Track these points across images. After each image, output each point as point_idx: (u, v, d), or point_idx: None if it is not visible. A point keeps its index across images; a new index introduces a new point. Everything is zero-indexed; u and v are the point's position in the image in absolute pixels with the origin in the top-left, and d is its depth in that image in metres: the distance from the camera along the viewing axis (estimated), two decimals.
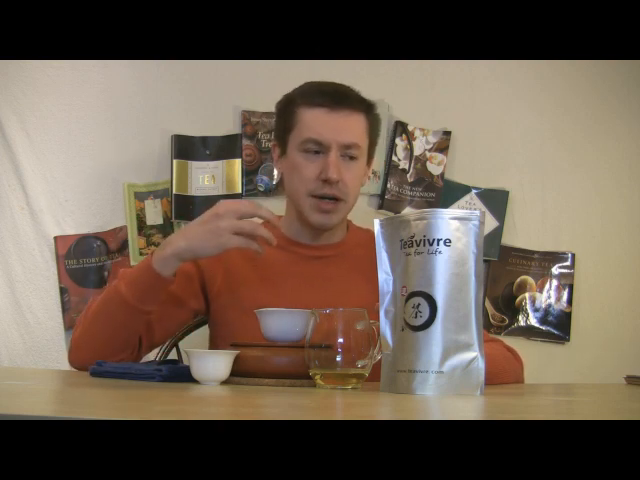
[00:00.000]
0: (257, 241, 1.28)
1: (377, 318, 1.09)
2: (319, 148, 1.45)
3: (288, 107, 1.50)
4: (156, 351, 1.59)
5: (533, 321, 2.33)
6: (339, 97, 1.45)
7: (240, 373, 1.14)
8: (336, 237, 1.57)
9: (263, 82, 2.26)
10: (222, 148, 2.26)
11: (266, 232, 1.27)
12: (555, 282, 2.35)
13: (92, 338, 1.34)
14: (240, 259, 1.49)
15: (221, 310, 1.51)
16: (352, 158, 1.46)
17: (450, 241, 1.03)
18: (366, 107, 1.49)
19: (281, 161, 1.54)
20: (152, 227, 2.23)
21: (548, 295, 2.34)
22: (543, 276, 2.35)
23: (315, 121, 1.45)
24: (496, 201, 2.33)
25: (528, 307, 2.33)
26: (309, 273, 1.52)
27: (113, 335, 1.31)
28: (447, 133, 2.33)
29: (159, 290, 1.32)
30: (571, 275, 2.35)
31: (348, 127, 1.45)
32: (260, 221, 1.34)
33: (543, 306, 2.33)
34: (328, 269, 1.53)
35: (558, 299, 2.34)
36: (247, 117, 2.26)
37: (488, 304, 2.31)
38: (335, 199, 1.46)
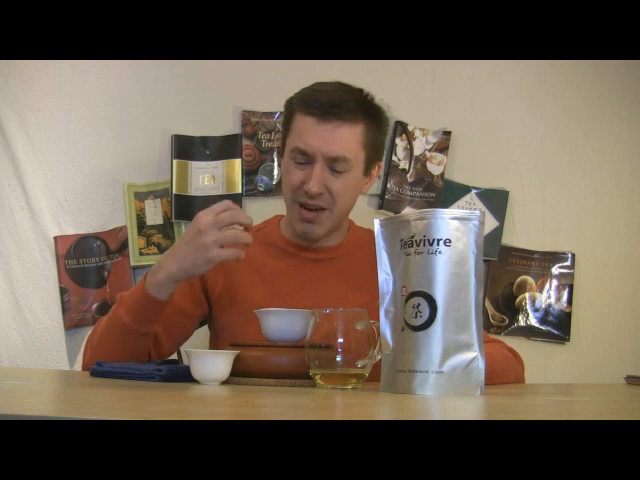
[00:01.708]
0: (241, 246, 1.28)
1: (377, 317, 1.09)
2: (306, 158, 1.43)
3: (288, 110, 1.49)
4: None
5: (533, 321, 2.33)
6: (329, 107, 1.41)
7: (240, 373, 1.14)
8: (334, 239, 1.56)
9: (263, 82, 2.27)
10: (222, 148, 2.26)
11: (246, 237, 1.26)
12: (555, 282, 2.35)
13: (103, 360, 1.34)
14: (240, 262, 1.49)
15: (221, 313, 1.51)
16: (341, 170, 1.43)
17: (450, 241, 1.03)
18: (364, 115, 1.44)
19: (281, 162, 1.55)
20: (152, 227, 2.23)
21: (548, 295, 2.34)
22: (543, 276, 2.34)
23: (304, 130, 1.43)
24: (496, 201, 2.33)
25: (528, 307, 2.33)
26: (307, 276, 1.51)
27: (122, 358, 1.32)
28: (447, 133, 2.33)
29: (159, 312, 1.33)
30: (571, 275, 2.34)
31: (335, 139, 1.41)
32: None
33: (543, 306, 2.33)
34: (327, 272, 1.53)
35: (558, 299, 2.34)
36: (247, 117, 2.26)
37: (488, 304, 2.30)
38: (318, 209, 1.45)
